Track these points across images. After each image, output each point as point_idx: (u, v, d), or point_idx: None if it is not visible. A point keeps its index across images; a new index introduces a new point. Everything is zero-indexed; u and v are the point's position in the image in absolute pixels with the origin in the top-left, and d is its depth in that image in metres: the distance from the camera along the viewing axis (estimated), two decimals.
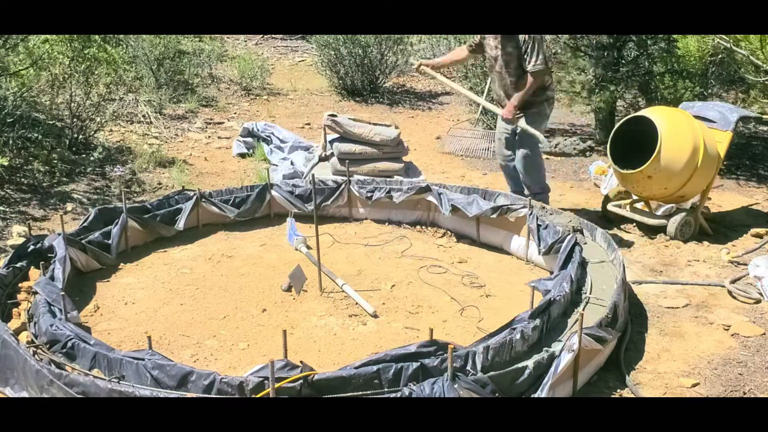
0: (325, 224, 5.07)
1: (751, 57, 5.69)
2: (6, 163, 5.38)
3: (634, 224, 5.29)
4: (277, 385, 2.65)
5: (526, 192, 5.25)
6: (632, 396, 3.21)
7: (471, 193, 4.98)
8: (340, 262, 4.49)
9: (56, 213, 5.25)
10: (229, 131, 7.91)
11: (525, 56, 4.86)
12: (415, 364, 2.83)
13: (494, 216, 4.70)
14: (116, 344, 3.42)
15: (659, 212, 5.36)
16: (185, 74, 9.08)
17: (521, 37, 4.83)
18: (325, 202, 5.23)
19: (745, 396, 3.24)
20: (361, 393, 2.74)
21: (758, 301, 4.12)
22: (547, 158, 6.30)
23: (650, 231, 5.15)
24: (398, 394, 2.70)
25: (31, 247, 4.05)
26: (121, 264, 4.42)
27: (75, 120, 6.46)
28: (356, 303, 3.91)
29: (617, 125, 5.18)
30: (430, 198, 5.08)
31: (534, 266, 4.59)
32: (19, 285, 3.79)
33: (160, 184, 6.15)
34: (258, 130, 7.29)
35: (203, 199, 4.98)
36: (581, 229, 4.41)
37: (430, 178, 6.10)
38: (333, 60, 9.58)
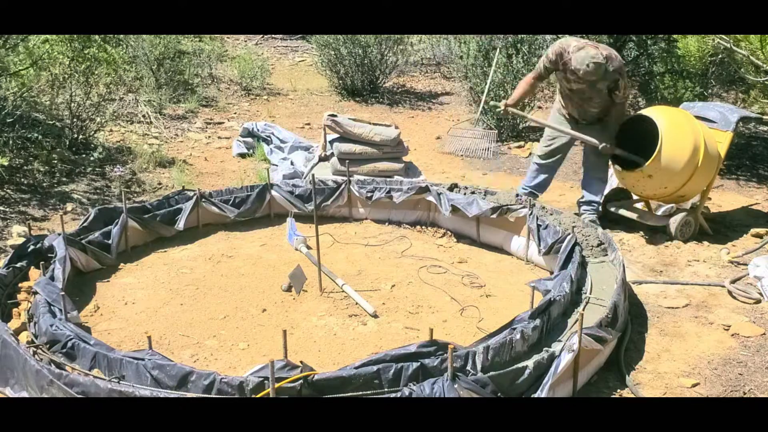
0: (325, 224, 5.07)
1: (751, 57, 5.69)
2: (6, 163, 5.38)
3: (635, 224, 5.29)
4: (277, 385, 2.65)
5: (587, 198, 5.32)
6: (632, 396, 3.21)
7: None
8: (340, 262, 4.49)
9: (56, 213, 5.25)
10: (229, 131, 7.91)
11: (617, 92, 4.92)
12: (415, 364, 2.83)
13: (494, 216, 4.70)
14: (116, 344, 3.42)
15: (659, 212, 5.36)
16: (185, 74, 9.08)
17: (612, 74, 4.78)
18: (325, 202, 5.23)
19: (745, 396, 3.24)
20: (361, 393, 2.74)
21: (758, 301, 4.12)
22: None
23: (650, 231, 5.15)
24: (398, 394, 2.70)
25: (31, 247, 4.05)
26: (121, 264, 4.42)
27: (75, 120, 6.46)
28: (356, 303, 3.91)
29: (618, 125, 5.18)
30: (430, 198, 5.08)
31: (534, 266, 4.59)
32: (19, 285, 3.79)
33: (160, 184, 6.15)
34: (258, 130, 7.29)
35: (203, 199, 4.98)
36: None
37: (430, 178, 6.10)
38: (333, 60, 9.58)
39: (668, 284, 4.36)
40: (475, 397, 2.75)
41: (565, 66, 4.88)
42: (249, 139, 7.25)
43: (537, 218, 4.52)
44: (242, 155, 7.09)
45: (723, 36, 5.74)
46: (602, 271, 4.03)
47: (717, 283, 4.35)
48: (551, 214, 4.60)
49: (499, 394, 2.82)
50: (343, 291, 4.05)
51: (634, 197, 5.46)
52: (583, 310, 3.50)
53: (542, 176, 5.40)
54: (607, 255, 4.21)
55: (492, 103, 5.11)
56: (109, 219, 4.52)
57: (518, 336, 3.10)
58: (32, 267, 3.95)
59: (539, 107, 8.77)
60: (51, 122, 6.31)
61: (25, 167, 5.86)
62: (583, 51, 4.74)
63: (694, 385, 3.30)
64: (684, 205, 5.23)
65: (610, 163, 5.30)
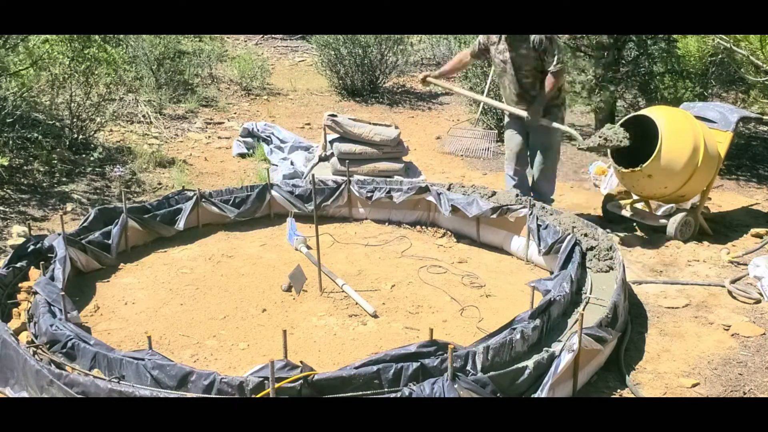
0: (325, 224, 5.07)
1: (751, 57, 5.69)
2: (6, 163, 5.39)
3: (635, 224, 5.29)
4: (277, 385, 2.65)
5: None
6: (632, 396, 3.21)
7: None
8: (340, 262, 4.49)
9: (56, 213, 5.25)
10: (229, 131, 7.91)
11: (545, 57, 4.86)
12: (415, 364, 2.83)
13: (494, 216, 4.70)
14: (116, 344, 3.42)
15: (659, 212, 5.36)
16: (185, 74, 9.08)
17: (534, 37, 4.80)
18: (325, 202, 5.23)
19: (745, 396, 3.24)
20: (361, 393, 2.74)
21: (758, 301, 4.12)
22: None
23: (650, 231, 5.15)
24: (398, 394, 2.70)
25: (31, 247, 4.05)
26: (121, 264, 4.42)
27: (75, 120, 6.46)
28: (356, 303, 3.91)
29: (618, 124, 5.18)
30: (430, 198, 5.08)
31: (534, 266, 4.59)
32: (19, 285, 3.79)
33: (160, 184, 6.15)
34: (258, 130, 7.29)
35: (203, 199, 4.98)
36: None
37: (430, 178, 6.10)
38: (333, 60, 9.58)
39: (668, 284, 4.36)
40: (475, 397, 2.75)
41: (494, 40, 5.05)
42: (249, 139, 7.25)
43: (537, 218, 4.52)
44: (242, 155, 7.09)
45: (723, 36, 5.74)
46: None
47: (717, 283, 4.35)
48: (551, 214, 4.60)
49: (498, 394, 2.82)
50: (343, 291, 4.05)
51: (634, 197, 5.46)
52: (583, 310, 3.51)
53: (520, 181, 5.36)
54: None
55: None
56: (109, 219, 4.52)
57: (518, 336, 3.10)
58: (32, 267, 3.95)
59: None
60: (51, 122, 6.31)
61: (25, 167, 5.86)
62: None
63: (694, 385, 3.30)
64: (684, 205, 5.23)
65: (609, 163, 5.30)
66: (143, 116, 7.79)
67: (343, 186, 5.27)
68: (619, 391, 3.26)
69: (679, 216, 5.00)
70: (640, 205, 5.45)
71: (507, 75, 5.09)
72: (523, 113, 5.04)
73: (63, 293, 3.39)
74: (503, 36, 4.95)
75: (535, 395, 2.90)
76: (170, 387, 2.76)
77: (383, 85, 9.95)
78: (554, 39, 4.88)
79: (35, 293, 3.55)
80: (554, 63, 4.88)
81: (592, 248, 4.23)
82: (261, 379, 2.71)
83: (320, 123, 6.61)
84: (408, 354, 2.89)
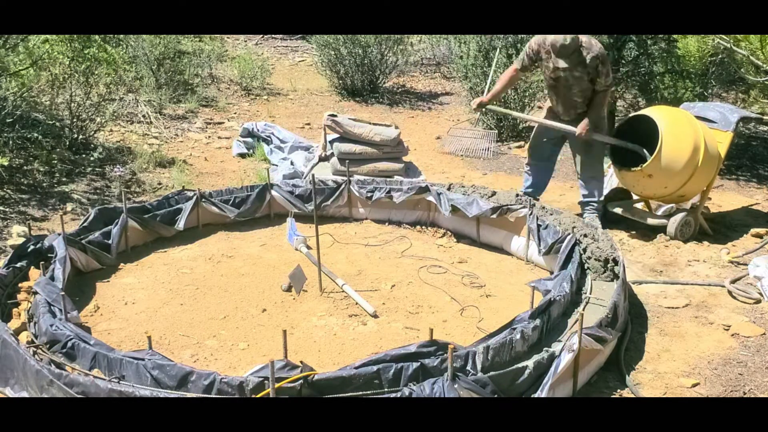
0: (325, 224, 5.07)
1: (751, 57, 5.69)
2: (6, 163, 5.38)
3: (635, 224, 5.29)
4: (277, 385, 2.65)
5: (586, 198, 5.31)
6: (632, 396, 3.21)
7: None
8: (340, 262, 4.49)
9: (56, 213, 5.25)
10: (229, 131, 7.91)
11: (598, 78, 4.92)
12: (415, 364, 2.83)
13: (494, 216, 4.70)
14: (116, 344, 3.42)
15: (659, 212, 5.36)
16: (185, 74, 9.08)
17: (590, 61, 4.85)
18: (325, 202, 5.23)
19: (745, 396, 3.24)
20: (361, 393, 2.74)
21: (758, 301, 4.12)
22: None
23: (650, 231, 5.15)
24: (398, 394, 2.70)
25: (31, 247, 4.05)
26: (121, 264, 4.42)
27: (75, 120, 6.46)
28: (356, 303, 3.91)
29: (618, 125, 5.18)
30: (430, 198, 5.08)
31: (534, 266, 4.59)
32: (19, 285, 3.79)
33: (160, 184, 6.15)
34: (258, 130, 7.29)
35: (203, 199, 4.98)
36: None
37: (430, 178, 6.10)
38: (333, 60, 9.58)
39: (668, 284, 4.36)
40: (475, 397, 2.75)
41: (547, 53, 4.99)
42: (249, 139, 7.24)
43: (537, 218, 4.52)
44: (242, 155, 7.09)
45: (723, 36, 5.74)
46: None
47: (717, 283, 4.35)
48: (551, 214, 4.60)
49: (498, 394, 2.82)
50: (343, 291, 4.05)
51: (634, 197, 5.46)
52: (583, 310, 3.51)
53: (534, 177, 5.44)
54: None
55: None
56: (109, 219, 4.52)
57: (518, 336, 3.10)
58: (32, 267, 3.95)
59: (539, 107, 8.74)
60: (51, 122, 6.31)
61: (25, 167, 5.86)
62: (560, 35, 4.81)
63: (694, 385, 3.30)
64: (684, 205, 5.23)
65: (609, 162, 5.30)
66: (143, 116, 7.79)
67: (343, 186, 5.27)
68: (619, 391, 3.26)
69: (680, 216, 5.00)
70: (640, 205, 5.45)
71: (557, 91, 5.11)
72: (573, 129, 5.07)
73: (63, 293, 3.38)
74: (554, 54, 4.91)
75: (535, 395, 2.90)
76: (170, 387, 2.76)
77: (383, 85, 9.95)
78: (607, 59, 4.94)
79: (35, 293, 3.55)
80: (605, 81, 4.97)
81: (597, 259, 4.09)
82: (261, 379, 2.71)
83: (320, 123, 6.60)
84: (408, 354, 2.89)
